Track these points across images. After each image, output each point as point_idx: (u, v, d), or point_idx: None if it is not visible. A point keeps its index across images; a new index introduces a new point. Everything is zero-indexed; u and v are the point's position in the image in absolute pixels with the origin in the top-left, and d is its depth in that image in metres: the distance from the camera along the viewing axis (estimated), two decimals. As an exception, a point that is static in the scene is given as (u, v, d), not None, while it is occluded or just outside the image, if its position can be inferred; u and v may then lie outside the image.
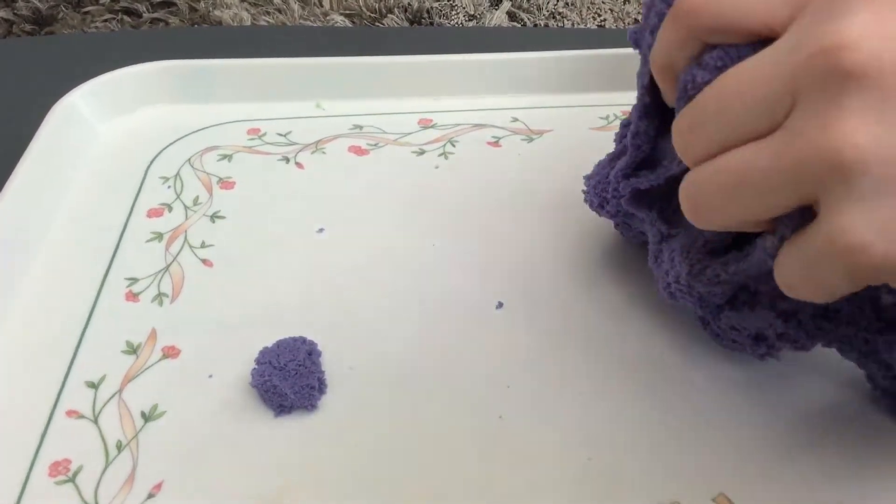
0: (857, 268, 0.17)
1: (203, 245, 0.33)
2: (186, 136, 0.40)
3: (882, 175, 0.16)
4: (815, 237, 0.18)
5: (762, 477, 0.25)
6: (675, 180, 0.23)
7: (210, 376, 0.28)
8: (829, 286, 0.18)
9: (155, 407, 0.27)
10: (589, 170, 0.31)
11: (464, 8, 0.55)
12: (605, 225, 0.33)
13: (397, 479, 0.25)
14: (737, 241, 0.24)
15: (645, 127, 0.27)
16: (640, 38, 0.26)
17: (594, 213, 0.31)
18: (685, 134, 0.20)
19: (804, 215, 0.18)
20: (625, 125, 0.30)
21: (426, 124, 0.41)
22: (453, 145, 0.39)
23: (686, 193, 0.20)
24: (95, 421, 0.26)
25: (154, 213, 0.35)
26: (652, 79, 0.24)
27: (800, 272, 0.18)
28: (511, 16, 0.55)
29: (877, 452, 0.26)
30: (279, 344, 0.28)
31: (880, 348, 0.25)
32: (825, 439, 0.26)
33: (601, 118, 0.41)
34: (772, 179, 0.18)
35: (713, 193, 0.19)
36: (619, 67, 0.43)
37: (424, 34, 0.53)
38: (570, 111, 0.42)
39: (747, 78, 0.18)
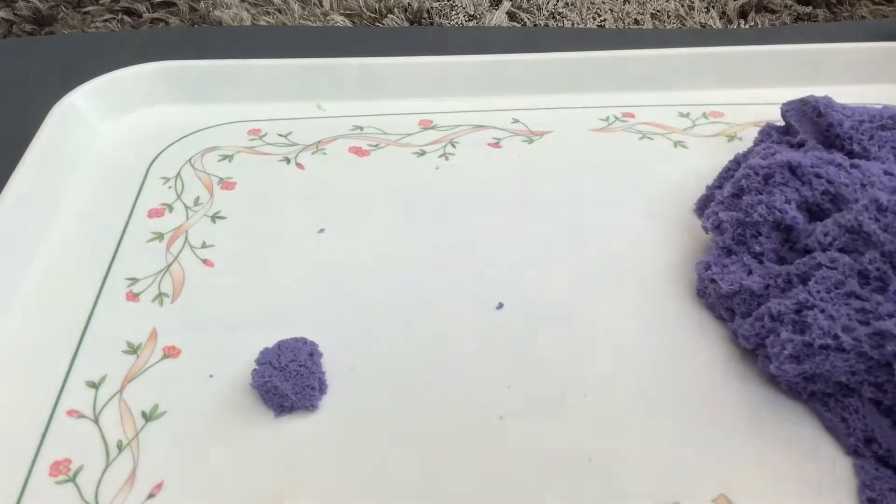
0: None
1: (204, 245, 0.33)
2: (187, 136, 0.40)
3: None
4: None
5: (762, 477, 0.25)
6: None
7: (210, 376, 0.28)
8: None
9: (155, 407, 0.27)
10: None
11: (464, 8, 0.55)
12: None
13: (397, 480, 0.25)
14: None
15: None
16: None
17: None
18: None
19: None
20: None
21: (426, 125, 0.41)
22: (454, 146, 0.39)
23: None
24: (96, 421, 0.26)
25: (155, 213, 0.35)
26: None
27: None
28: (511, 16, 0.55)
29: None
30: (280, 344, 0.28)
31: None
32: (826, 438, 0.26)
33: (601, 119, 0.41)
34: None
35: None
36: (619, 68, 0.43)
37: (424, 34, 0.53)
38: (570, 112, 0.42)
39: None
